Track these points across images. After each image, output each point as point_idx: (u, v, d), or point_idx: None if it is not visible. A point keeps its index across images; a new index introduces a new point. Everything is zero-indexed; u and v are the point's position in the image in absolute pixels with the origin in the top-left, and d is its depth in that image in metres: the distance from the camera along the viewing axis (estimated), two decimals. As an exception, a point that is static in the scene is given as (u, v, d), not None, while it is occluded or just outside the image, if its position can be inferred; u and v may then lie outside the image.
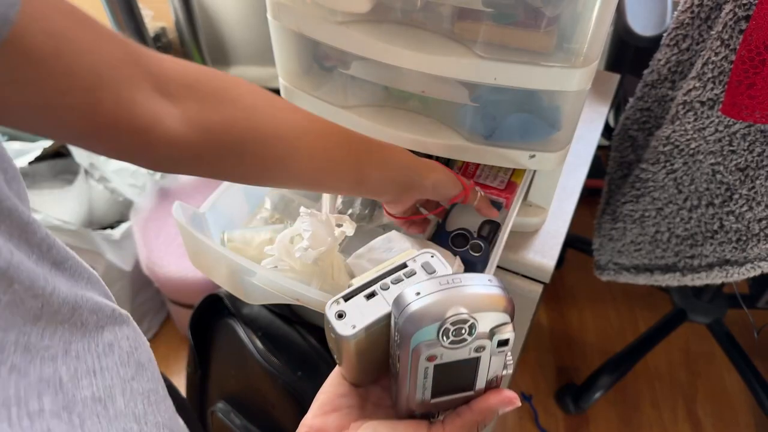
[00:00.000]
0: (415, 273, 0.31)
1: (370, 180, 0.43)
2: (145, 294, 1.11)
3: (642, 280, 0.85)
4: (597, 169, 0.84)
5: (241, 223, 0.59)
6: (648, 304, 1.22)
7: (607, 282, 0.90)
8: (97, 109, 0.27)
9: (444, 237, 0.53)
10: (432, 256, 0.32)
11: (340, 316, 0.29)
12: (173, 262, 0.99)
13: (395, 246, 0.54)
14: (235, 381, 0.61)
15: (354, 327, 0.29)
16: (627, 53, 0.96)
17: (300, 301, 0.50)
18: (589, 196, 0.89)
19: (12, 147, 1.02)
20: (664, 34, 0.71)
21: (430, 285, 0.27)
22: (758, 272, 0.72)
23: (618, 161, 0.85)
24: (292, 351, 0.56)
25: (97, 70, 0.26)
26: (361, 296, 0.30)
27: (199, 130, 0.32)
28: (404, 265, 0.32)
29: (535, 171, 0.63)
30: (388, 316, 0.29)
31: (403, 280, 0.31)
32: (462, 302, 0.26)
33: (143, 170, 1.03)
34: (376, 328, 0.29)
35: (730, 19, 0.59)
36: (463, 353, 0.27)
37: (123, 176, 1.01)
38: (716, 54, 0.61)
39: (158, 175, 1.04)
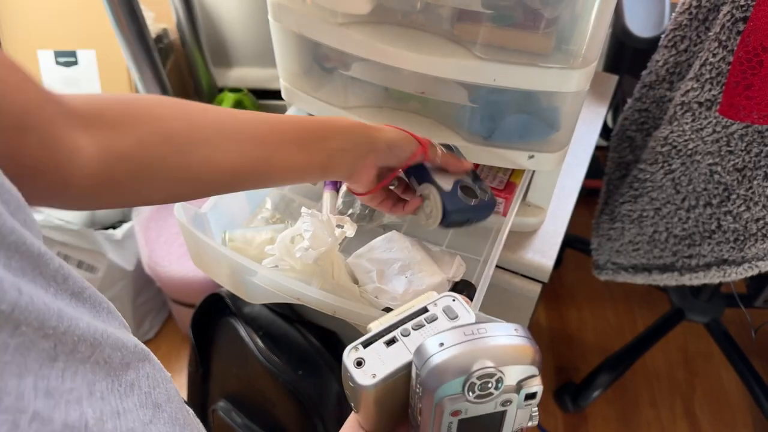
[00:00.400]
0: (436, 318, 0.30)
1: (318, 158, 0.41)
2: (146, 293, 1.11)
3: (640, 279, 0.85)
4: (595, 169, 0.85)
5: (242, 223, 0.59)
6: (646, 303, 1.22)
7: (605, 281, 0.90)
8: (23, 151, 0.26)
9: (453, 194, 0.47)
10: (453, 300, 0.31)
11: (359, 363, 0.28)
12: (175, 262, 0.99)
13: (395, 246, 0.55)
14: (236, 380, 0.61)
15: (374, 376, 0.28)
16: (625, 54, 0.96)
17: (301, 301, 0.51)
18: (587, 197, 0.89)
19: (14, 147, 1.02)
20: (662, 36, 0.71)
21: (455, 335, 0.26)
22: (755, 272, 0.72)
23: (616, 162, 0.85)
24: (293, 350, 0.56)
25: (25, 110, 0.26)
26: (380, 342, 0.29)
27: (113, 156, 0.31)
28: (425, 310, 0.30)
29: (534, 171, 0.63)
30: (410, 364, 0.27)
31: (424, 325, 0.30)
32: (488, 355, 0.25)
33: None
34: (396, 377, 0.28)
35: (728, 21, 0.59)
36: (488, 407, 0.26)
37: (125, 176, 1.01)
38: (714, 55, 0.62)
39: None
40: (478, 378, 0.25)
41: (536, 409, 0.28)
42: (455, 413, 0.26)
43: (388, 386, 0.28)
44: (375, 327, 0.30)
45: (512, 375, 0.26)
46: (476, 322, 0.27)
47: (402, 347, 0.29)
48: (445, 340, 0.26)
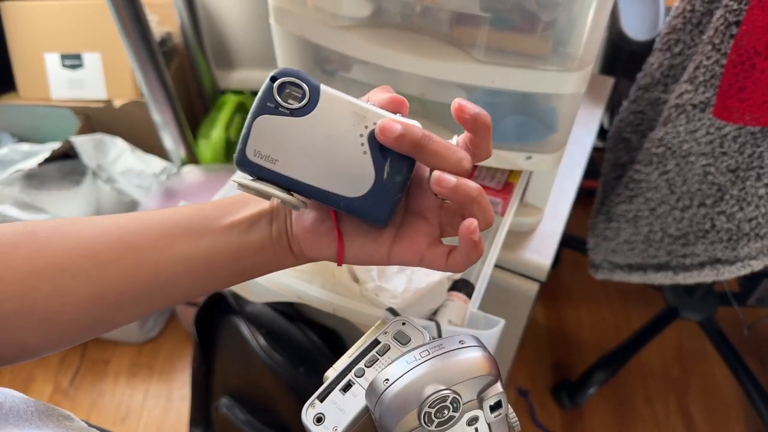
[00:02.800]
0: (389, 348, 0.29)
1: (225, 237, 0.29)
2: (150, 292, 1.12)
3: (635, 278, 0.86)
4: (592, 170, 0.86)
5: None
6: (641, 302, 1.24)
7: (602, 281, 0.91)
8: None
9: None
10: (404, 324, 0.30)
11: (319, 419, 0.27)
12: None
13: (395, 245, 0.56)
14: (238, 377, 0.62)
15: (336, 429, 0.26)
16: (621, 57, 0.97)
17: (302, 299, 0.51)
18: (584, 197, 0.90)
19: (21, 149, 1.03)
20: (657, 39, 0.72)
21: (399, 367, 0.24)
22: (748, 271, 0.73)
23: (612, 162, 0.86)
24: (294, 348, 0.57)
25: None
26: (336, 391, 0.28)
27: None
28: (376, 342, 0.29)
29: (531, 172, 0.64)
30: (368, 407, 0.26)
31: (378, 359, 0.28)
32: (437, 377, 0.23)
33: (149, 171, 1.04)
34: (361, 422, 0.27)
35: (721, 24, 0.60)
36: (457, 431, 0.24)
37: (129, 177, 1.02)
38: (708, 58, 0.63)
39: (164, 175, 1.05)
40: (432, 405, 0.23)
41: (514, 416, 0.26)
42: None
43: None
44: (331, 374, 0.29)
45: (468, 391, 0.24)
46: (419, 346, 0.25)
47: (359, 389, 0.28)
48: (390, 374, 0.24)
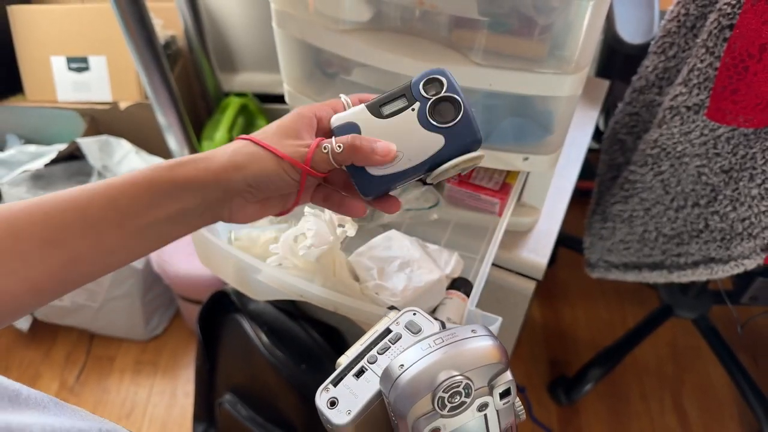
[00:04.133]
0: (401, 337, 0.30)
1: (141, 235, 0.31)
2: (155, 290, 1.13)
3: (631, 277, 0.87)
4: (588, 171, 0.87)
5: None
6: (636, 300, 1.25)
7: (597, 279, 0.92)
8: None
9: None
10: (414, 314, 0.31)
11: (333, 403, 0.28)
12: (183, 260, 1.01)
13: (395, 244, 0.57)
14: (241, 374, 0.63)
15: (349, 413, 0.27)
16: (616, 60, 0.98)
17: (303, 297, 0.52)
18: (580, 197, 0.91)
19: (28, 150, 1.04)
20: (652, 42, 0.73)
21: (414, 353, 0.25)
22: (741, 269, 0.74)
23: (608, 164, 0.87)
24: (296, 345, 0.58)
25: None
26: (350, 376, 0.29)
27: None
28: (388, 331, 0.30)
29: (528, 173, 0.65)
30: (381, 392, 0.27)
31: (390, 347, 0.29)
32: (450, 364, 0.24)
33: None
34: (373, 406, 0.28)
35: (715, 28, 0.61)
36: (466, 417, 0.25)
37: (134, 178, 1.03)
38: (701, 61, 0.63)
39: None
40: (445, 390, 0.24)
41: (520, 404, 0.28)
42: (435, 431, 0.25)
43: (367, 418, 0.28)
44: (344, 361, 0.30)
45: (480, 377, 0.25)
46: (433, 334, 0.26)
47: (372, 375, 0.28)
48: (405, 360, 0.25)
